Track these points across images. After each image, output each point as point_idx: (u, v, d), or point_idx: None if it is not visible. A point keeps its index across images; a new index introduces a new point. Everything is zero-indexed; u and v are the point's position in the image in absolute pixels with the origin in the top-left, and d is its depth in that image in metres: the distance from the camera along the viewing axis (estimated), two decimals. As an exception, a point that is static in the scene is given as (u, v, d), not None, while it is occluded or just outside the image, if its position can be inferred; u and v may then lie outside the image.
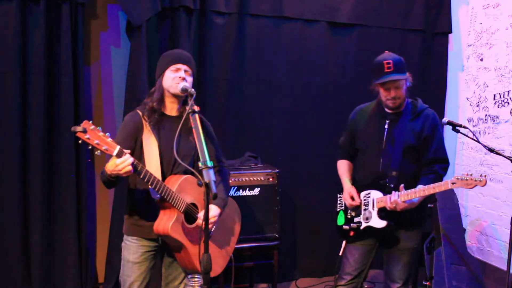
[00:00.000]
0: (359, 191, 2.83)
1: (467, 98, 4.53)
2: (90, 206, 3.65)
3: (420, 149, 2.70)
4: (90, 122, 1.98)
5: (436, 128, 2.73)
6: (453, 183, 2.51)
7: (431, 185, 2.56)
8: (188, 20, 3.63)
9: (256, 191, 3.53)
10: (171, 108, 2.42)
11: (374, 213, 2.72)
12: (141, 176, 2.18)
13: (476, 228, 4.39)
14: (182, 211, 2.31)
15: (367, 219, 2.76)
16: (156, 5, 3.48)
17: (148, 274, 2.46)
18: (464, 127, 2.86)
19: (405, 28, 4.30)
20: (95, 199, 3.76)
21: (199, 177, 1.90)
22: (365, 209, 2.77)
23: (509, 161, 2.93)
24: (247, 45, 3.90)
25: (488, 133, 4.26)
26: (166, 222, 2.28)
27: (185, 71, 2.37)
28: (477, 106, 4.40)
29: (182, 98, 2.39)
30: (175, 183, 2.31)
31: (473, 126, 4.41)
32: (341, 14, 4.08)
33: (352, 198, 2.82)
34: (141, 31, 3.45)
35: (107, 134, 2.03)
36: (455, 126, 2.88)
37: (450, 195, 3.90)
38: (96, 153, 2.01)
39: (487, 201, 4.26)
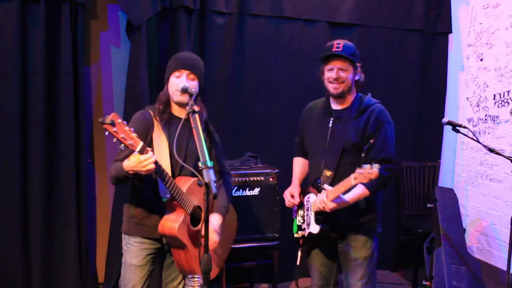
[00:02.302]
0: (304, 195, 2.64)
1: (467, 98, 4.53)
2: (90, 206, 3.64)
3: (362, 148, 2.47)
4: (118, 115, 1.96)
5: (381, 125, 2.47)
6: (354, 178, 2.27)
7: (340, 183, 2.33)
8: (188, 20, 3.62)
9: (256, 191, 3.53)
10: (179, 112, 2.42)
11: (313, 218, 2.52)
12: (159, 174, 2.15)
13: (476, 228, 4.39)
14: (189, 212, 2.30)
15: (308, 225, 2.56)
16: (156, 5, 3.47)
17: (148, 278, 2.46)
18: (464, 127, 2.86)
19: (405, 28, 4.29)
20: (95, 199, 3.76)
21: (200, 177, 1.89)
22: (307, 214, 2.59)
23: (509, 161, 2.93)
24: (247, 45, 3.89)
25: (488, 133, 4.26)
26: (173, 223, 2.26)
27: (188, 75, 2.36)
28: (477, 106, 4.40)
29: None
30: (185, 184, 2.30)
31: (473, 126, 4.40)
32: (341, 14, 4.07)
33: (293, 197, 2.64)
34: (141, 31, 3.45)
35: (131, 129, 2.00)
36: (455, 126, 2.88)
37: (450, 195, 3.89)
38: (120, 146, 1.98)
39: (487, 201, 4.26)
